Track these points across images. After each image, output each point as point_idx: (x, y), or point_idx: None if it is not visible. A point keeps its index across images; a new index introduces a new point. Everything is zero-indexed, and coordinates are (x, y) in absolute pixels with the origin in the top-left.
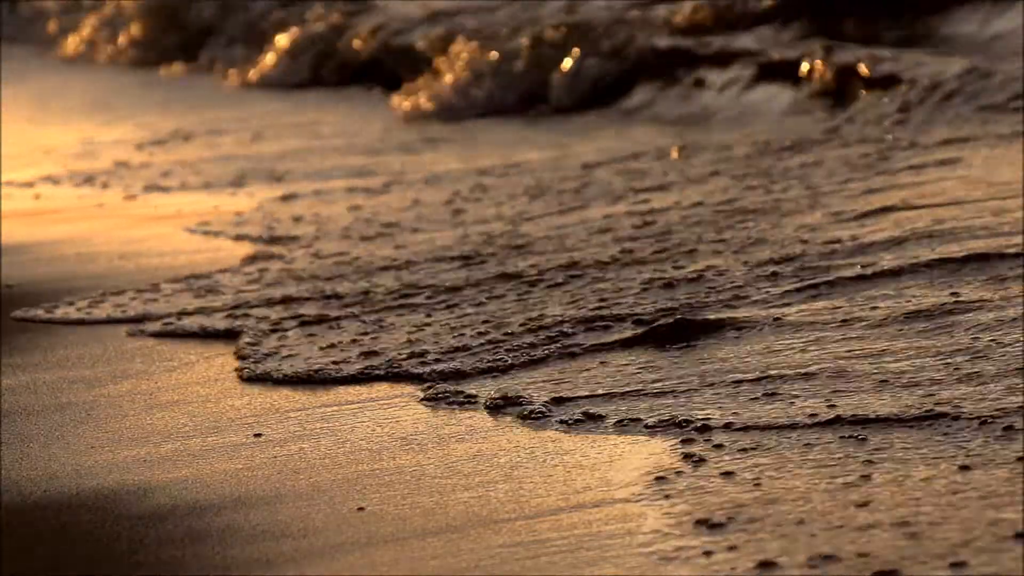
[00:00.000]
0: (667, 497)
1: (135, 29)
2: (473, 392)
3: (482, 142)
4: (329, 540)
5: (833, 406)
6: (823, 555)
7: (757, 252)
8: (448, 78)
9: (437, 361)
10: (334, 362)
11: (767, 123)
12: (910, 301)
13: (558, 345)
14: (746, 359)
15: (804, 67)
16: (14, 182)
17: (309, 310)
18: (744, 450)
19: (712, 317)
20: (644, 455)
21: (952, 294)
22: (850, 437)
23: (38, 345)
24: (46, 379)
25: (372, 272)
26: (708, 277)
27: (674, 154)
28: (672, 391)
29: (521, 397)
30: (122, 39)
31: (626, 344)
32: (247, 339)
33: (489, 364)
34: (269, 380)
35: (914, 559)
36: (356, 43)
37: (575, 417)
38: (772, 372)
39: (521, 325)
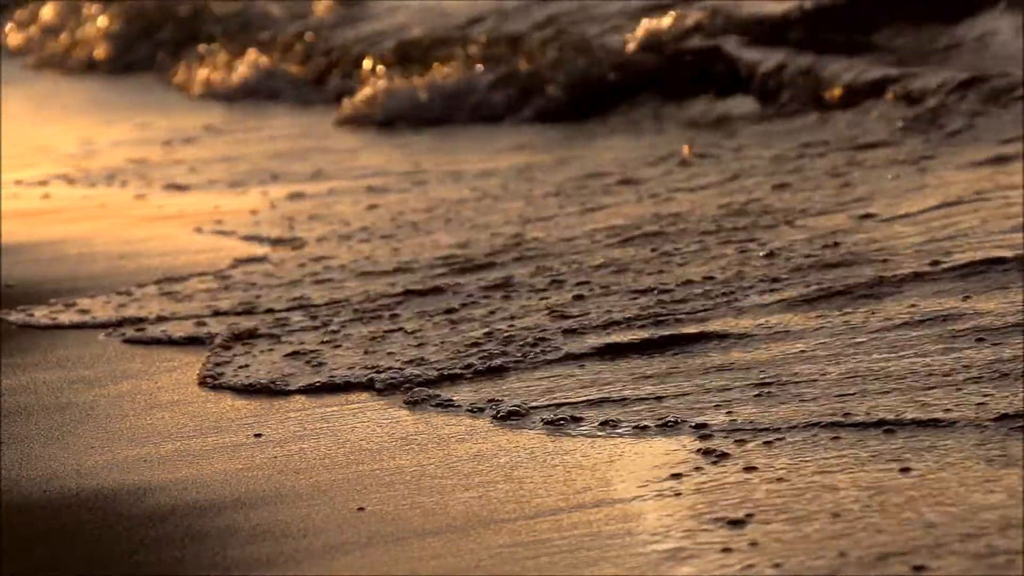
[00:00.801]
0: (678, 495)
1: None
2: (470, 399)
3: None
4: (329, 540)
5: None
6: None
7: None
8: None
9: (443, 366)
10: (329, 372)
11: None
12: (916, 306)
13: (571, 347)
14: (758, 361)
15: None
16: (22, 181)
17: (301, 317)
18: (758, 448)
19: (718, 324)
20: (652, 455)
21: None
22: (872, 437)
23: (38, 345)
24: (46, 379)
25: (377, 274)
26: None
27: (686, 151)
28: (682, 394)
29: (517, 403)
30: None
31: (637, 349)
32: (217, 350)
33: (490, 367)
34: (230, 390)
35: (938, 556)
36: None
37: (562, 418)
38: (785, 375)
39: (524, 328)
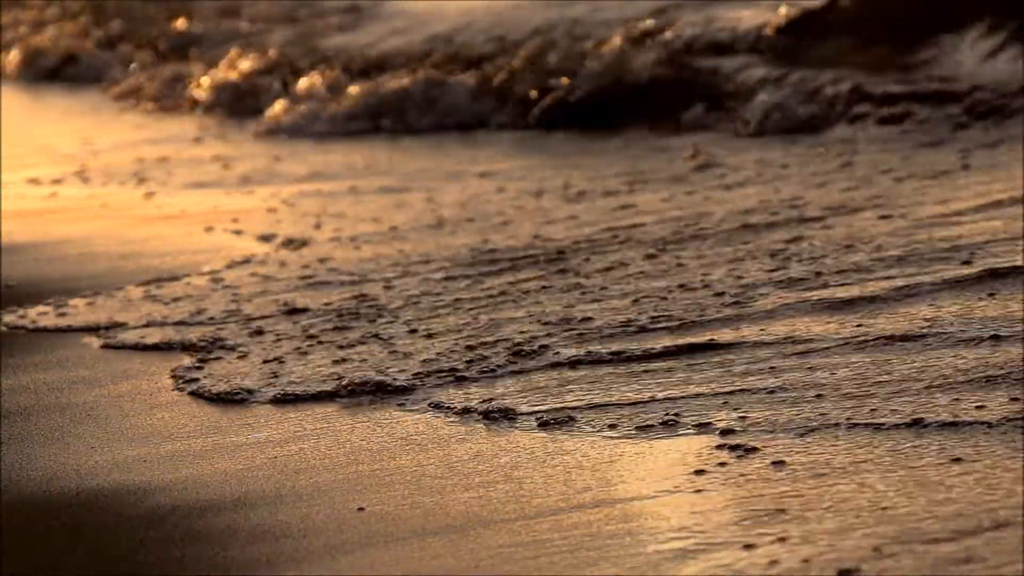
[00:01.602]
0: (700, 491)
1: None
2: (471, 400)
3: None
4: (329, 540)
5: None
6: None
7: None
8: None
9: (468, 367)
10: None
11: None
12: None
13: (586, 350)
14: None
15: None
16: (28, 180)
17: (282, 322)
18: (783, 445)
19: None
20: (663, 454)
21: None
22: (901, 435)
23: (38, 345)
24: (46, 379)
25: (383, 276)
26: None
27: (694, 155)
28: (690, 396)
29: (514, 406)
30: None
31: (660, 355)
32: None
33: (490, 369)
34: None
35: (978, 557)
36: None
37: (563, 418)
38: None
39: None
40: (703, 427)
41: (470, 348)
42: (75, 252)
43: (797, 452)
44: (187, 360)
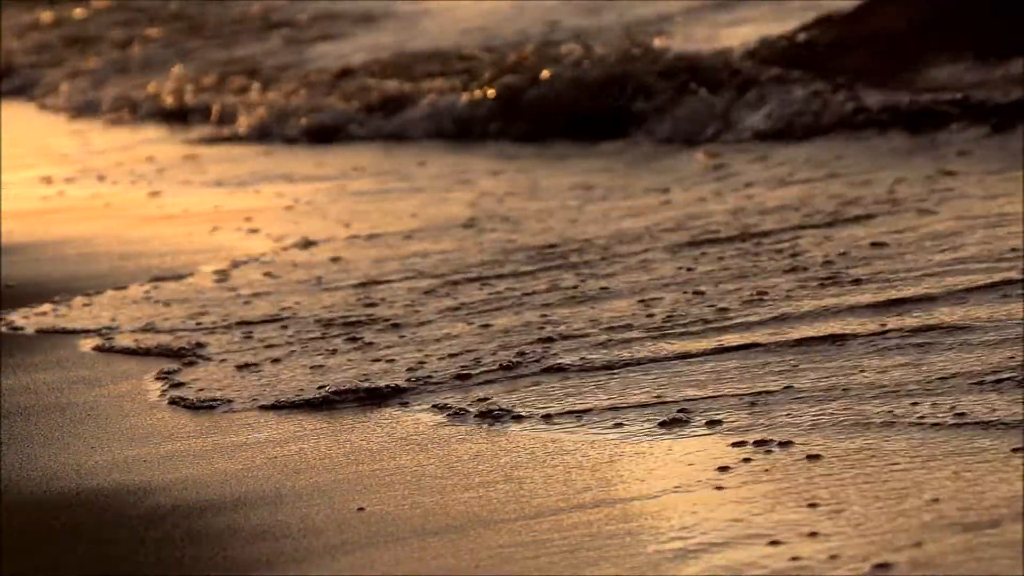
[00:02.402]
0: (720, 488)
1: None
2: (471, 401)
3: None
4: (329, 540)
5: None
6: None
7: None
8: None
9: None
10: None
11: None
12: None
13: (607, 351)
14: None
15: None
16: (51, 178)
17: (284, 323)
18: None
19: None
20: (676, 453)
21: None
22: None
23: (38, 345)
24: (46, 379)
25: (386, 275)
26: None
27: (702, 157)
28: (704, 397)
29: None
30: None
31: (663, 359)
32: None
33: (492, 372)
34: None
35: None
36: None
37: (560, 417)
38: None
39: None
40: (714, 425)
41: (472, 349)
42: (75, 252)
43: (830, 447)
44: (184, 363)
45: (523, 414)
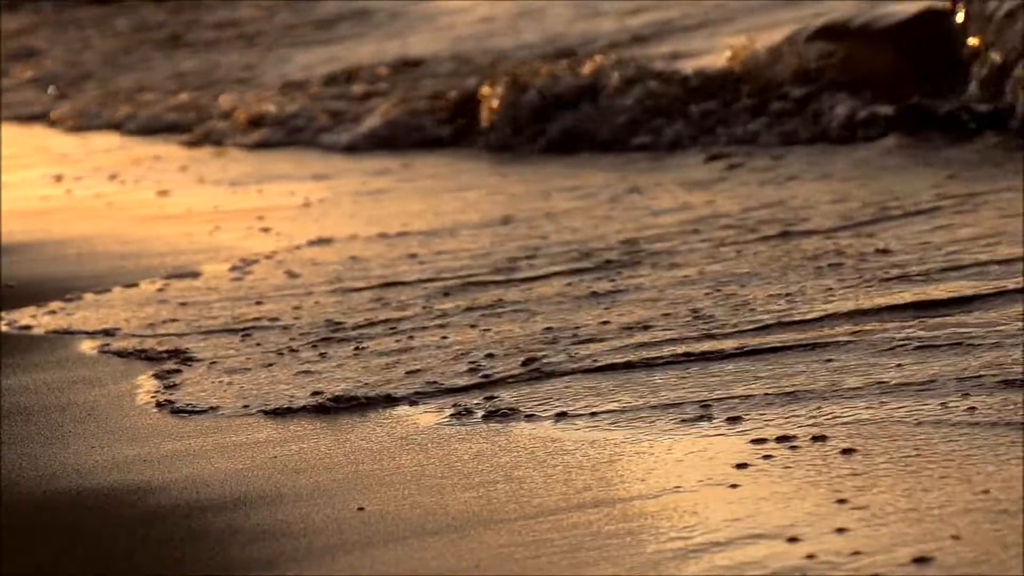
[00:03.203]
0: (735, 487)
1: None
2: (469, 402)
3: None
4: (329, 540)
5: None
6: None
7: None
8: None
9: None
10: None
11: None
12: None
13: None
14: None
15: None
16: (62, 176)
17: (287, 324)
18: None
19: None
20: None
21: None
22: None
23: (38, 345)
24: (46, 379)
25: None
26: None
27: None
28: (718, 398)
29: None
30: None
31: (668, 363)
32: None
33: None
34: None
35: None
36: None
37: (562, 417)
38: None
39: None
40: (733, 422)
41: (474, 351)
42: (75, 252)
43: (865, 442)
44: (184, 363)
45: (528, 414)
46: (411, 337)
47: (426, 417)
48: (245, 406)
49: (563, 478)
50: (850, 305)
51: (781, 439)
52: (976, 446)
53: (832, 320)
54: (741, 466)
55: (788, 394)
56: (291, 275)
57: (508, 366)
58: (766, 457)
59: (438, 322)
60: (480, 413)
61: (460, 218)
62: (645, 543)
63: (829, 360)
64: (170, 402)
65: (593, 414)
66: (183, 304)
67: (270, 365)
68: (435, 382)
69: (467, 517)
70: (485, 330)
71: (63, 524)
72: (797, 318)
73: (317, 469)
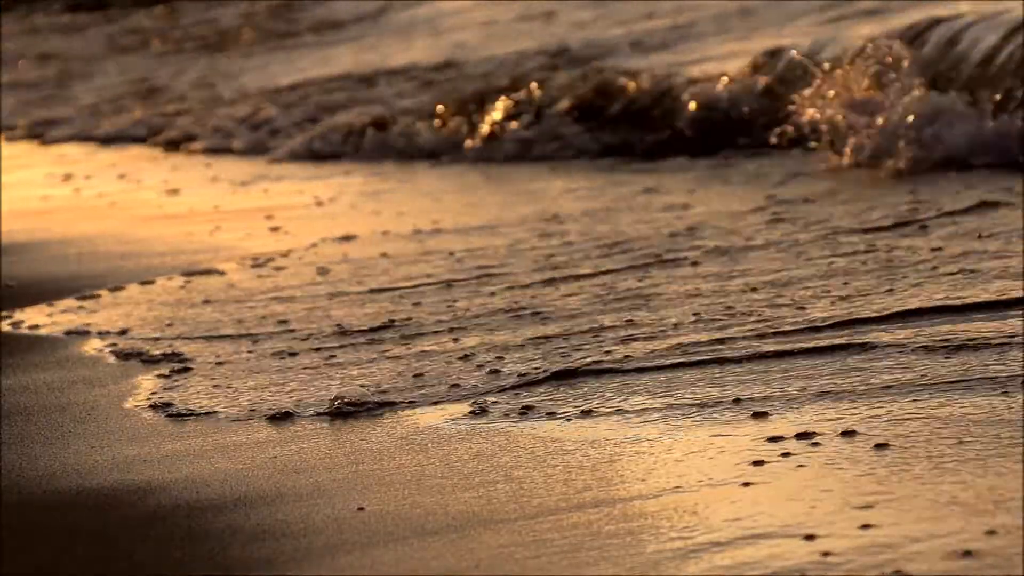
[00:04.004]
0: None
1: None
2: (466, 402)
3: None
4: (329, 540)
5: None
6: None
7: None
8: None
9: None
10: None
11: None
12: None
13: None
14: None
15: None
16: (72, 176)
17: (289, 324)
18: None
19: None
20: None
21: None
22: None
23: (38, 345)
24: (46, 379)
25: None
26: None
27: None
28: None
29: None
30: None
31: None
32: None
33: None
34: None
35: None
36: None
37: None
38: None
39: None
40: (761, 416)
41: (475, 352)
42: (75, 251)
43: (897, 437)
44: (185, 363)
45: (532, 414)
46: (416, 338)
47: (426, 417)
48: (252, 410)
49: (563, 477)
50: (897, 305)
51: (803, 435)
52: (1016, 443)
53: (865, 322)
54: (757, 463)
55: (825, 393)
56: (320, 271)
57: (527, 368)
58: (811, 445)
59: (446, 324)
60: (480, 412)
61: (460, 218)
62: (646, 543)
63: (864, 358)
64: (171, 402)
65: (609, 413)
66: (189, 304)
67: (276, 366)
68: (435, 383)
69: (467, 517)
70: (491, 328)
71: (63, 524)
72: (842, 318)
73: (317, 469)
